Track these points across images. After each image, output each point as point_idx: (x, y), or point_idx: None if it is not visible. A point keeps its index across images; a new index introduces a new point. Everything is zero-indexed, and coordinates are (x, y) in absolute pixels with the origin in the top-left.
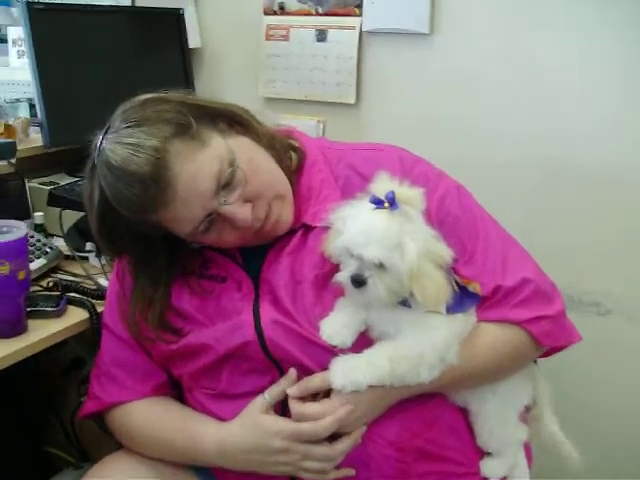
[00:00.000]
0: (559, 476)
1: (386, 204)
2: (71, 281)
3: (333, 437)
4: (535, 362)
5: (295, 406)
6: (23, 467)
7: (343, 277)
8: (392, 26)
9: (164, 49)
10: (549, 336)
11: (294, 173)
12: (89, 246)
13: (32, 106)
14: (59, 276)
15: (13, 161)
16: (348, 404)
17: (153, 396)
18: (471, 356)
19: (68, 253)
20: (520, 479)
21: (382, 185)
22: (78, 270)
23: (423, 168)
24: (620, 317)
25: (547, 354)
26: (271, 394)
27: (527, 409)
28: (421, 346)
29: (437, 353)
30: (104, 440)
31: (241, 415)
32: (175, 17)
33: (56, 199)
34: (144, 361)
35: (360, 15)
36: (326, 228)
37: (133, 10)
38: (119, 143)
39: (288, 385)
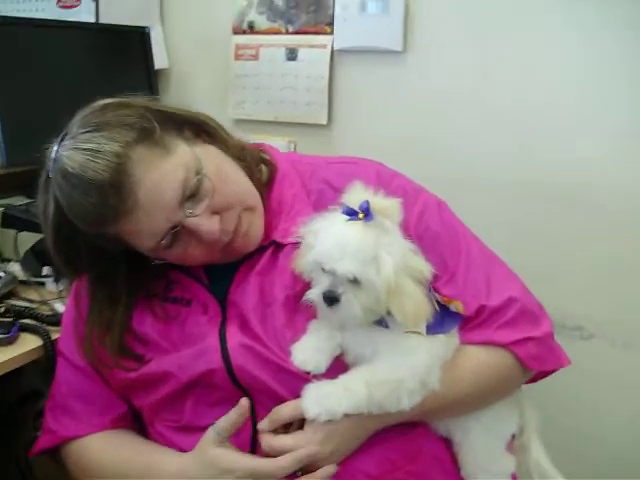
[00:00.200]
0: None
1: (360, 215)
2: (25, 307)
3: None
4: (520, 388)
5: (265, 438)
6: None
7: (314, 294)
8: (365, 44)
9: (129, 69)
10: (537, 359)
11: (264, 187)
12: (46, 270)
13: None
14: (12, 302)
15: None
16: (311, 445)
17: (111, 429)
18: (454, 381)
19: (24, 278)
20: None
21: (356, 195)
22: (34, 296)
23: (401, 182)
24: (604, 341)
25: (534, 379)
26: (219, 427)
27: (513, 438)
28: (400, 370)
29: (418, 377)
30: (61, 477)
31: (196, 448)
32: (140, 36)
33: (10, 220)
34: (102, 391)
35: (331, 33)
36: (297, 245)
37: (96, 27)
38: (76, 149)
39: (238, 417)
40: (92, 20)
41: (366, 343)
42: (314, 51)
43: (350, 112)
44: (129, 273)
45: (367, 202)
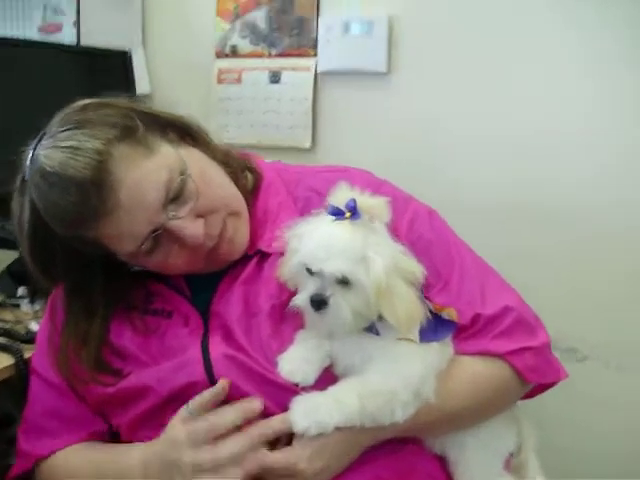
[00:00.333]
0: None
1: (347, 214)
2: None
3: None
4: (516, 404)
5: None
6: None
7: (301, 300)
8: (348, 66)
9: (110, 92)
10: (534, 371)
11: (249, 195)
12: (21, 291)
13: None
14: None
15: None
16: (300, 462)
17: (86, 441)
18: (449, 393)
19: None
20: None
21: (341, 195)
22: (9, 317)
23: (390, 190)
24: (598, 363)
25: (532, 394)
26: (191, 405)
27: (511, 456)
28: (393, 380)
29: (411, 387)
30: None
31: (164, 430)
32: (121, 59)
33: None
34: (77, 409)
35: (315, 56)
36: (283, 254)
37: (77, 50)
38: (55, 147)
39: (212, 396)
40: (73, 42)
41: (356, 351)
42: (297, 74)
43: (334, 135)
44: (107, 284)
45: (354, 200)
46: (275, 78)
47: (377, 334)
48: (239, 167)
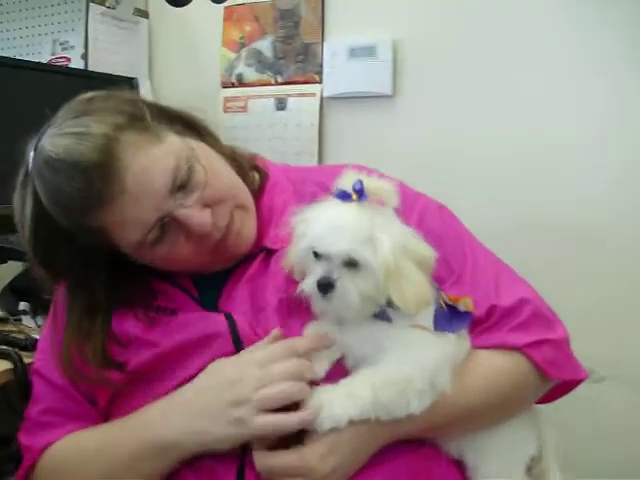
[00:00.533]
0: None
1: (354, 196)
2: None
3: None
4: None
5: (259, 456)
6: None
7: (308, 284)
8: (354, 89)
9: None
10: (553, 365)
11: (255, 193)
12: (22, 306)
13: None
14: None
15: None
16: (312, 460)
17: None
18: (466, 388)
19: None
20: None
21: (349, 179)
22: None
23: (400, 185)
24: (615, 383)
25: (550, 398)
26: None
27: (532, 462)
28: (407, 368)
29: (427, 376)
30: None
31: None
32: (128, 84)
33: None
34: (84, 408)
35: (320, 82)
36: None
37: (84, 74)
38: (61, 135)
39: (281, 351)
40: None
41: (367, 340)
42: (303, 100)
43: (340, 159)
44: (109, 281)
45: (360, 182)
46: (281, 105)
47: (389, 321)
48: (246, 165)
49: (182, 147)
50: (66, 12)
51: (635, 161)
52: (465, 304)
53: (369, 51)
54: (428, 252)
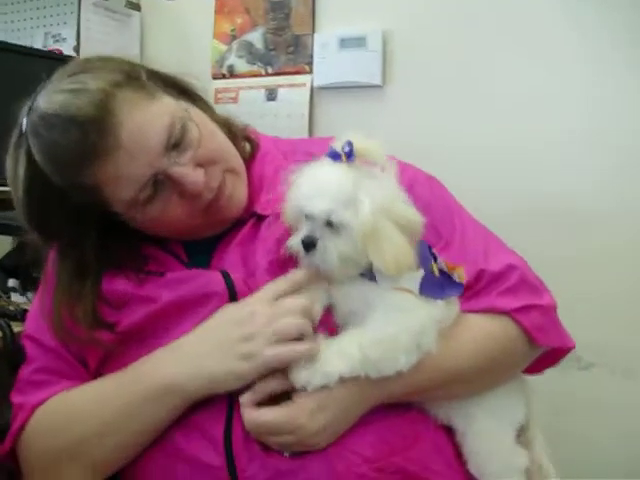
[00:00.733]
0: None
1: (343, 157)
2: None
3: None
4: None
5: (247, 412)
6: None
7: (294, 242)
8: (344, 79)
9: None
10: (541, 330)
11: (246, 162)
12: (12, 283)
13: None
14: None
15: None
16: (301, 417)
17: None
18: (455, 352)
19: None
20: None
21: (344, 140)
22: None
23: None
24: (604, 371)
25: (537, 368)
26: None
27: (519, 431)
28: (393, 327)
29: (412, 336)
30: None
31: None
32: None
33: None
34: (76, 370)
35: (311, 72)
36: (279, 215)
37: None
38: (57, 92)
39: (285, 285)
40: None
41: (354, 298)
42: (294, 90)
43: None
44: (100, 244)
45: (350, 143)
46: (272, 96)
47: (374, 281)
48: (239, 133)
49: (176, 107)
50: (58, 5)
51: (628, 154)
52: (459, 275)
53: (359, 42)
54: (415, 217)
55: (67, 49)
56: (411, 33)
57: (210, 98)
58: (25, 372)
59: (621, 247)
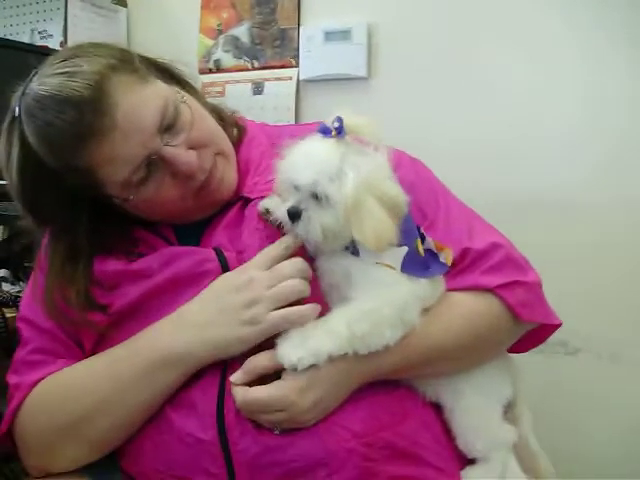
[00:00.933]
0: None
1: (334, 133)
2: None
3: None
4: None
5: (239, 392)
6: None
7: (280, 212)
8: (330, 72)
9: None
10: (526, 307)
11: (234, 147)
12: (3, 273)
13: None
14: None
15: None
16: (290, 394)
17: None
18: (441, 329)
19: None
20: None
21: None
22: None
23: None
24: (590, 356)
25: (523, 347)
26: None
27: (507, 408)
28: (377, 301)
29: (395, 310)
30: None
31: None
32: None
33: None
34: (72, 350)
35: (297, 65)
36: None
37: None
38: (51, 75)
39: (277, 250)
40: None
41: (337, 272)
42: (280, 83)
43: None
44: (92, 228)
45: (340, 118)
46: (258, 89)
47: (357, 255)
48: (227, 120)
49: (169, 90)
50: (44, 1)
51: (620, 149)
52: (446, 257)
53: (344, 35)
54: (399, 195)
55: (54, 45)
56: (396, 26)
57: None
58: (21, 353)
59: (611, 240)
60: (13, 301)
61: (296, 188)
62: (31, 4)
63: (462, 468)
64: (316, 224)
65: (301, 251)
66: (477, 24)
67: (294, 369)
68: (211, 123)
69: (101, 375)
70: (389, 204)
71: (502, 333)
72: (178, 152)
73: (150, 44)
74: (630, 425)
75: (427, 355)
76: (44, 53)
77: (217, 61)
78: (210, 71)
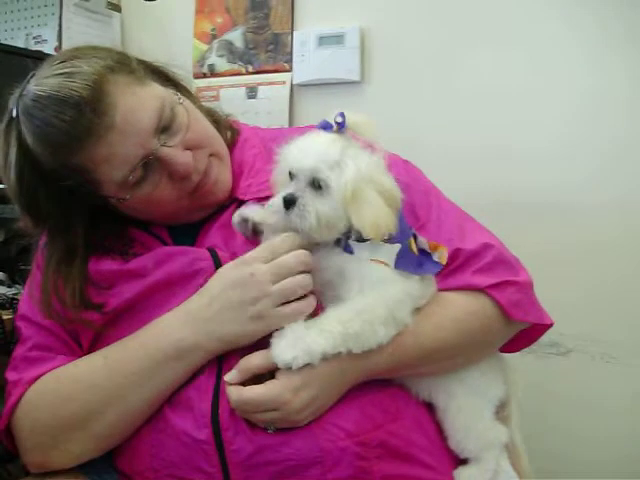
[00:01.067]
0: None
1: (335, 128)
2: None
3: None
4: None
5: (233, 392)
6: None
7: (276, 200)
8: (323, 76)
9: None
10: (518, 307)
11: (228, 149)
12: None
13: None
14: None
15: None
16: (285, 393)
17: None
18: (434, 328)
19: None
20: None
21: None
22: None
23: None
24: (583, 356)
25: (515, 347)
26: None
27: (499, 408)
28: (369, 300)
29: (388, 308)
30: None
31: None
32: None
33: None
34: (73, 346)
35: (290, 70)
36: (259, 200)
37: None
38: (49, 76)
39: (278, 243)
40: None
41: (330, 269)
42: (274, 88)
43: None
44: (87, 228)
45: (342, 114)
46: (252, 93)
47: (350, 252)
48: (222, 123)
49: (166, 93)
50: (39, 6)
51: (617, 149)
52: (440, 256)
53: (337, 39)
54: (396, 190)
55: (48, 50)
56: (388, 30)
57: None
58: (20, 350)
59: (607, 241)
60: (10, 303)
61: (294, 177)
62: (26, 9)
63: (455, 467)
64: (312, 212)
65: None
66: (471, 27)
67: (288, 368)
68: (206, 125)
69: (109, 368)
70: (386, 196)
71: (493, 333)
72: (174, 153)
73: (144, 49)
74: (622, 426)
75: (420, 354)
76: (39, 58)
77: (211, 66)
78: (204, 75)
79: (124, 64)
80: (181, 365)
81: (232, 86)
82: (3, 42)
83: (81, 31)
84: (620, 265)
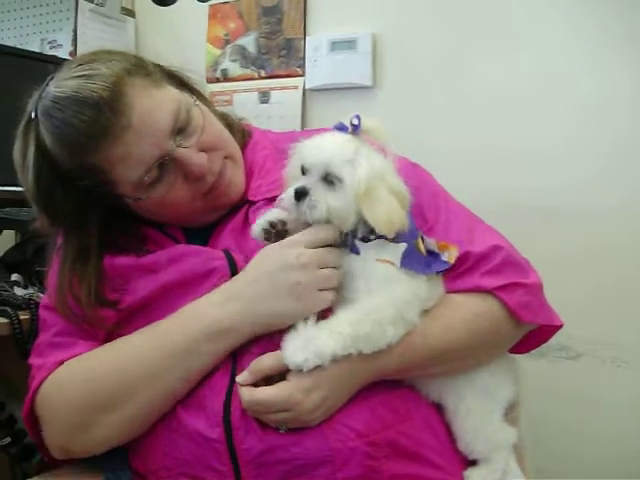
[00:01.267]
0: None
1: (350, 129)
2: None
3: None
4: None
5: (245, 393)
6: None
7: (287, 192)
8: (335, 81)
9: None
10: (527, 309)
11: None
12: (15, 277)
13: None
14: None
15: None
16: (296, 393)
17: None
18: (442, 331)
19: None
20: None
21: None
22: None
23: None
24: (593, 360)
25: (525, 348)
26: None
27: (508, 409)
28: (377, 299)
29: (396, 307)
30: None
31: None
32: None
33: None
34: (96, 333)
35: (303, 75)
36: (270, 201)
37: None
38: (69, 78)
39: (312, 236)
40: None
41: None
42: (286, 92)
43: None
44: (102, 227)
45: (358, 117)
46: (265, 98)
47: (357, 253)
48: (235, 126)
49: (181, 96)
50: (54, 12)
51: (620, 152)
52: (449, 256)
53: (349, 44)
54: (406, 191)
55: (63, 55)
56: (400, 35)
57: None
58: (44, 337)
59: (614, 244)
60: (27, 304)
61: (306, 172)
62: (41, 14)
63: (464, 468)
64: (323, 204)
65: None
66: (479, 32)
67: (299, 370)
68: (220, 128)
69: (147, 347)
70: (398, 196)
71: (503, 334)
72: (190, 153)
73: (158, 53)
74: (633, 429)
75: (429, 355)
76: (54, 62)
77: (224, 70)
78: (217, 80)
79: (141, 67)
80: (217, 345)
81: (245, 91)
82: (19, 47)
83: (96, 36)
84: (628, 268)
